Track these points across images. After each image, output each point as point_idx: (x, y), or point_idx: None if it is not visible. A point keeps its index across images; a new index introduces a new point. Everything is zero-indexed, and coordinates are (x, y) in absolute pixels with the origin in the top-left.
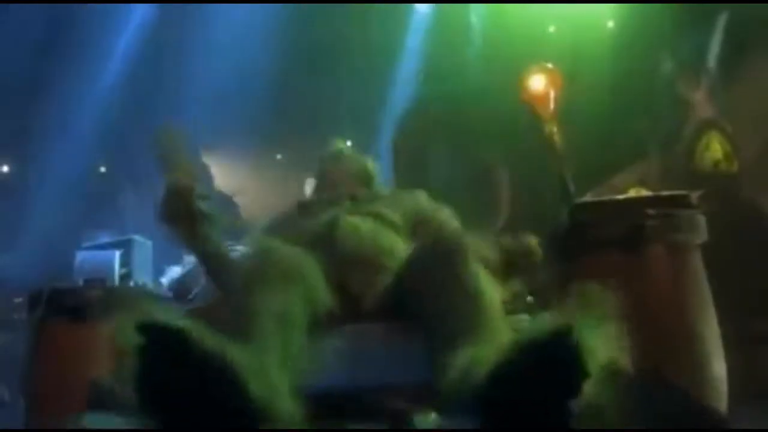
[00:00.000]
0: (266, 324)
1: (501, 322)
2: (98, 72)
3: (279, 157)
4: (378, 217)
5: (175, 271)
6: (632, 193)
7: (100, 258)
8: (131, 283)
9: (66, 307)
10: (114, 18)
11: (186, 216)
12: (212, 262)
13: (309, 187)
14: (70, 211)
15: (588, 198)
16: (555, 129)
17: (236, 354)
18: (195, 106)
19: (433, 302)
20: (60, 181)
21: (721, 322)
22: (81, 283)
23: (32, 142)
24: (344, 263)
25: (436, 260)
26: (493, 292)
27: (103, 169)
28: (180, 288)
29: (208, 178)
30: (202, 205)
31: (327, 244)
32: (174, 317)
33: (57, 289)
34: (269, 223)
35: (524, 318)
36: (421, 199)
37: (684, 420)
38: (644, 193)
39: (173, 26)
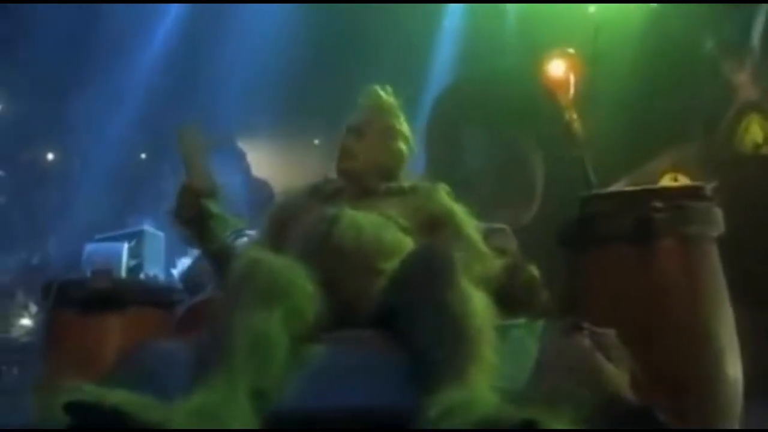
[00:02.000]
0: (242, 345)
1: (488, 346)
2: (137, 62)
3: (317, 142)
4: (384, 214)
5: (185, 263)
6: (667, 179)
7: (107, 250)
8: (142, 275)
9: (73, 298)
10: (151, 9)
11: (195, 216)
12: (218, 261)
13: None
14: (113, 198)
15: (619, 186)
16: (575, 116)
17: (181, 418)
18: (232, 92)
19: (416, 321)
20: (102, 168)
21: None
22: (88, 274)
23: (75, 130)
24: (340, 264)
25: (421, 275)
26: (483, 311)
27: (143, 156)
28: (189, 281)
29: (244, 164)
30: (212, 206)
31: (326, 241)
32: (106, 393)
33: (65, 281)
34: (278, 206)
35: (519, 323)
36: (440, 195)
37: None
38: (680, 179)
39: (209, 13)
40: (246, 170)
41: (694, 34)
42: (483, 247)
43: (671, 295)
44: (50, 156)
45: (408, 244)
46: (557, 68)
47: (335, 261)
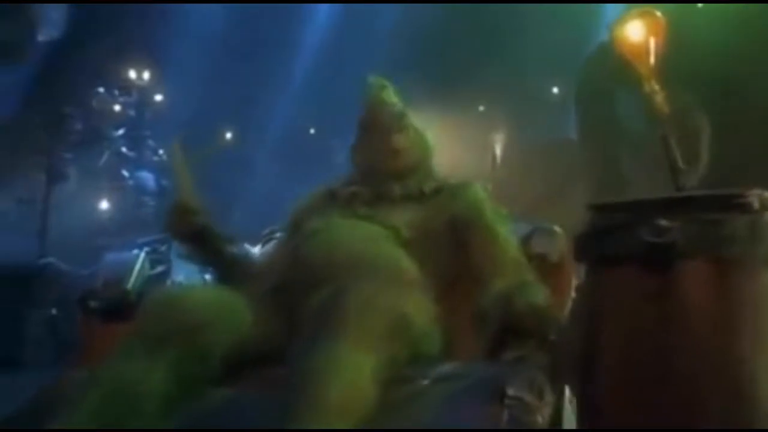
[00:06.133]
0: (100, 396)
1: (347, 420)
2: (302, 40)
3: (481, 108)
4: (387, 224)
5: None
6: None
7: (121, 259)
8: (168, 282)
9: (91, 308)
10: None
11: (188, 234)
12: (222, 275)
13: (498, 146)
14: (286, 173)
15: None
16: (656, 87)
17: None
18: (389, 62)
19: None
20: (275, 144)
21: None
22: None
23: (250, 109)
24: (305, 285)
25: (312, 322)
26: (359, 381)
27: (312, 131)
28: None
29: None
30: (201, 221)
31: (295, 259)
32: None
33: (85, 291)
34: (296, 211)
35: (448, 375)
36: (468, 195)
37: None
38: None
39: None
40: None
41: None
42: (511, 254)
43: (694, 332)
44: (228, 135)
45: (401, 259)
46: (635, 31)
47: (302, 280)
